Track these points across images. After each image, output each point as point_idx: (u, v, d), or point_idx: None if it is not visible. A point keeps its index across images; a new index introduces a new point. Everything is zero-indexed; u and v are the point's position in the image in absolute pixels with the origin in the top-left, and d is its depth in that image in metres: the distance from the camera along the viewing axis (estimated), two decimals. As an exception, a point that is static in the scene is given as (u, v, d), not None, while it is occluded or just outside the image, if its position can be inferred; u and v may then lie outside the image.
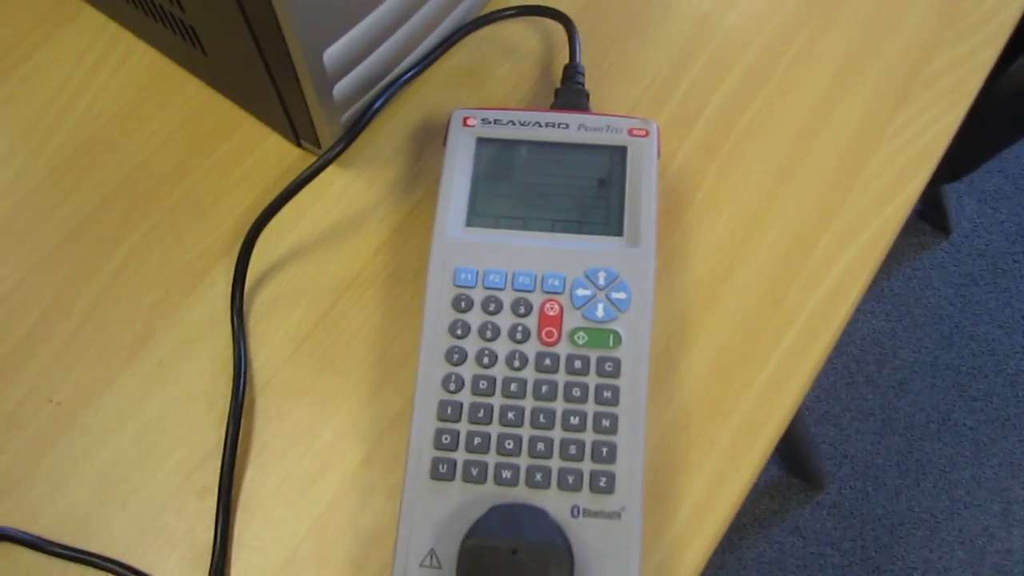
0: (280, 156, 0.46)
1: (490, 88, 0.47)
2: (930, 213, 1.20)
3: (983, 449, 1.13)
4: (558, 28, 0.48)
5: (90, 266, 0.43)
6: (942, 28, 0.48)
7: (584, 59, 0.46)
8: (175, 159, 0.46)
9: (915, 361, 1.17)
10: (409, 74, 0.44)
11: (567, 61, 0.45)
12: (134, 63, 0.48)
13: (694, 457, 0.39)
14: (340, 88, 0.40)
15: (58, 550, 0.38)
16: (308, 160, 0.45)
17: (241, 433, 0.39)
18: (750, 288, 0.42)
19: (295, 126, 0.44)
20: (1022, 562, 1.07)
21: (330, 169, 0.45)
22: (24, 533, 0.38)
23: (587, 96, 0.43)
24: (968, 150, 0.49)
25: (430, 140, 0.46)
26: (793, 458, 1.09)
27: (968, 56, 0.47)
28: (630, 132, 0.40)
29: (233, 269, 0.42)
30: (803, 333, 0.41)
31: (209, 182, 0.45)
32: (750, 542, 1.08)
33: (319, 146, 0.44)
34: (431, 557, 0.33)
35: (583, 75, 0.44)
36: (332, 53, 0.38)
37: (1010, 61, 0.55)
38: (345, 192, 0.44)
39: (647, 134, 0.40)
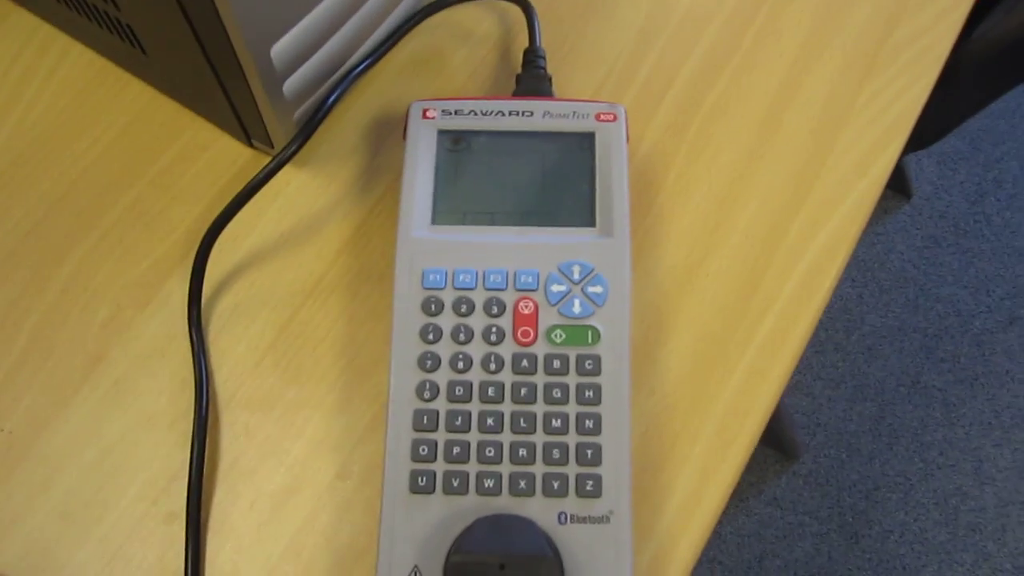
0: (231, 158, 0.43)
1: (447, 76, 0.45)
2: (890, 177, 1.20)
3: (953, 410, 1.14)
4: (514, 11, 0.46)
5: (35, 285, 0.41)
6: (906, -6, 0.47)
7: (543, 43, 0.45)
8: (119, 167, 0.43)
9: (882, 326, 1.18)
10: (362, 66, 0.42)
11: (526, 45, 0.44)
12: (69, 66, 0.46)
13: (679, 449, 0.37)
14: (290, 84, 0.38)
15: (19, 587, 0.36)
16: (261, 160, 0.43)
17: (207, 452, 0.38)
18: (727, 273, 0.41)
19: (245, 126, 0.41)
20: (995, 519, 1.08)
21: (285, 169, 0.42)
22: (-19, 571, 0.36)
23: (550, 81, 0.42)
24: (935, 118, 0.48)
25: (388, 133, 0.44)
26: (767, 430, 1.09)
27: (934, 22, 0.46)
28: (597, 117, 0.39)
29: (188, 280, 0.40)
30: (783, 316, 0.40)
31: (157, 189, 0.43)
32: (728, 515, 1.08)
33: (272, 145, 0.42)
34: (415, 574, 0.32)
35: (544, 59, 0.42)
36: (280, 48, 0.36)
37: (974, 26, 0.54)
38: (302, 192, 0.42)
39: (615, 118, 0.39)
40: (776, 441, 1.10)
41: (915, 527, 1.08)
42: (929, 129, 0.56)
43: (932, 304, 1.19)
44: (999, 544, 1.07)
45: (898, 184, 1.22)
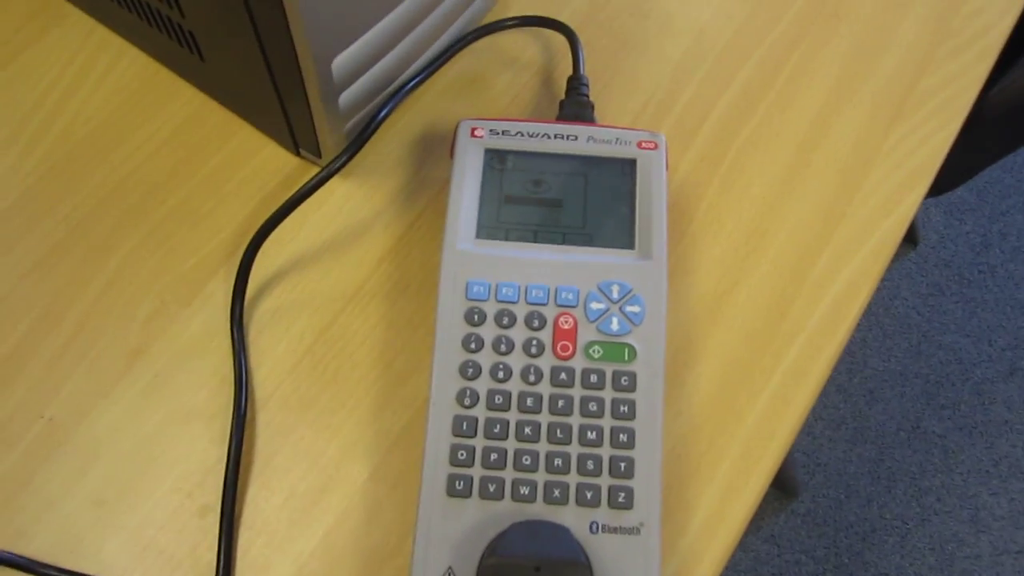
0: (278, 165, 0.45)
1: (491, 98, 0.47)
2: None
3: (951, 456, 1.15)
4: (558, 39, 0.48)
5: (81, 277, 0.42)
6: (934, 45, 0.49)
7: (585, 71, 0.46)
8: (168, 167, 0.45)
9: (885, 370, 1.19)
10: (412, 83, 0.43)
11: (568, 72, 0.45)
12: (124, 68, 0.47)
13: (704, 469, 0.38)
14: (346, 97, 0.40)
15: (52, 572, 0.36)
16: (307, 169, 0.45)
17: (243, 448, 0.38)
18: (754, 302, 0.42)
19: (295, 135, 0.43)
20: (990, 567, 1.09)
21: (332, 179, 0.44)
22: (16, 555, 0.37)
23: (592, 108, 0.43)
24: (953, 167, 0.49)
25: (432, 150, 0.45)
26: (766, 467, 1.10)
27: (960, 73, 0.48)
28: (639, 145, 0.40)
29: (231, 280, 0.41)
30: (807, 347, 0.41)
31: (204, 191, 0.44)
32: (724, 550, 1.09)
33: (319, 155, 0.43)
34: (449, 575, 0.32)
35: (587, 87, 0.44)
36: (341, 61, 0.37)
37: (995, 81, 0.56)
38: (346, 202, 0.44)
39: (656, 147, 0.40)
40: (776, 478, 1.11)
41: (910, 571, 1.08)
42: (946, 177, 0.58)
43: (934, 351, 1.20)
44: (993, 593, 1.08)
45: (906, 231, 1.24)
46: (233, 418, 0.38)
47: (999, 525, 1.11)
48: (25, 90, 0.46)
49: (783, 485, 1.11)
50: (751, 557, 1.09)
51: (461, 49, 0.45)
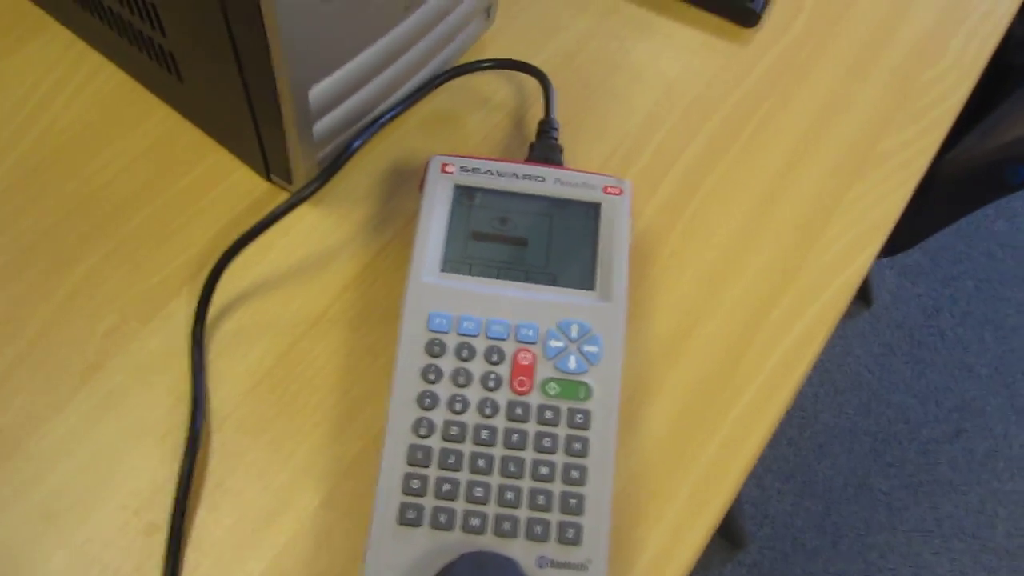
0: (248, 188, 0.45)
1: (462, 136, 0.48)
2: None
3: (896, 514, 1.16)
4: (531, 83, 0.49)
5: (43, 287, 0.42)
6: (894, 110, 0.51)
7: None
8: (139, 183, 0.45)
9: (835, 426, 1.21)
10: (387, 116, 0.44)
11: (540, 116, 0.46)
12: (100, 83, 0.48)
13: (654, 508, 0.39)
14: (320, 126, 0.40)
15: (-9, 585, 0.36)
16: (277, 193, 0.45)
17: (195, 469, 0.38)
18: (710, 348, 0.43)
19: (267, 159, 0.43)
20: (930, 626, 1.10)
21: (301, 205, 0.44)
22: (-46, 565, 0.36)
23: (561, 151, 0.44)
24: (906, 228, 0.51)
25: (402, 182, 0.46)
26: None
27: (917, 138, 0.50)
28: (604, 189, 0.41)
29: (194, 299, 0.41)
30: (760, 394, 0.42)
31: (173, 209, 0.44)
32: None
33: (290, 181, 0.44)
34: (395, 604, 0.33)
35: (558, 131, 0.45)
36: (318, 91, 0.38)
37: (948, 148, 0.58)
38: (314, 229, 0.44)
39: (621, 192, 0.41)
40: (724, 528, 1.11)
41: (852, 627, 1.09)
42: (899, 238, 0.60)
43: (883, 409, 1.23)
44: (932, 652, 1.09)
45: (860, 291, 1.27)
46: (188, 437, 0.38)
47: (940, 585, 1.13)
48: (0, 98, 0.46)
49: (731, 535, 1.12)
50: (696, 606, 1.09)
51: (437, 86, 0.46)
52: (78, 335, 0.41)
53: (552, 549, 0.34)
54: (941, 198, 0.58)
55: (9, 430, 0.39)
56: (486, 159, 0.42)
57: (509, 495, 0.34)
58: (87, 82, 0.47)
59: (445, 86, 0.48)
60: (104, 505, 0.38)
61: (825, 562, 1.13)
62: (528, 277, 0.39)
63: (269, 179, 0.45)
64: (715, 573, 1.11)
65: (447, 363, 0.37)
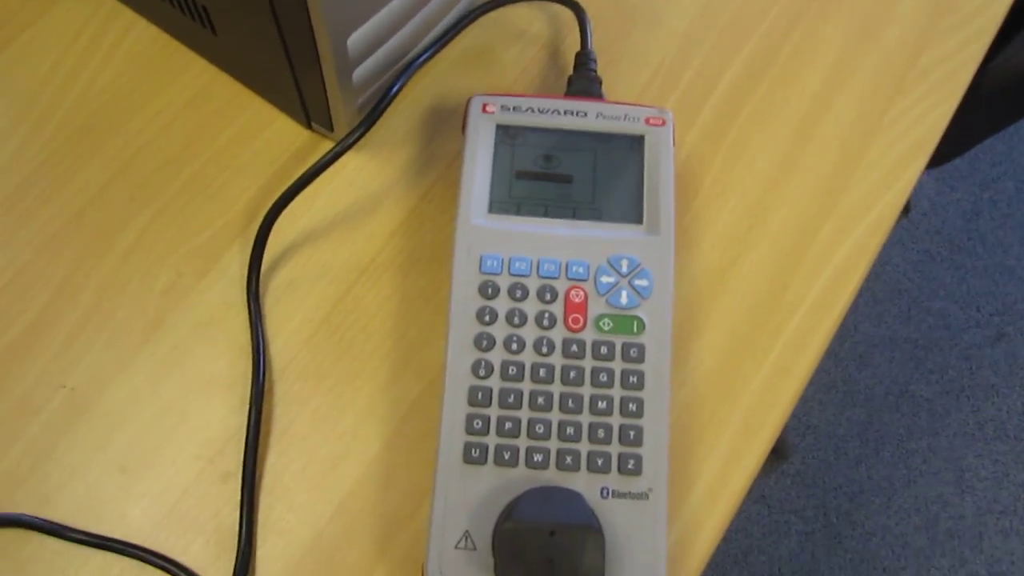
0: (289, 138, 0.45)
1: (498, 72, 0.47)
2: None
3: (938, 420, 1.17)
4: (565, 13, 0.49)
5: (97, 249, 0.43)
6: (935, 21, 0.50)
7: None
8: (181, 140, 0.45)
9: (875, 335, 1.21)
10: (423, 57, 0.44)
11: (575, 46, 0.46)
12: (133, 41, 0.47)
13: (707, 438, 0.40)
14: (359, 73, 0.40)
15: (77, 536, 0.37)
16: (318, 142, 0.45)
17: (263, 416, 0.40)
18: (756, 275, 0.43)
19: (308, 109, 0.43)
20: (973, 527, 1.12)
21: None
22: (41, 519, 0.38)
23: (600, 83, 0.44)
24: (950, 139, 0.50)
25: (441, 123, 0.46)
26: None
27: (960, 48, 0.49)
28: (647, 121, 0.41)
29: (246, 252, 0.42)
30: (807, 319, 0.42)
31: (217, 164, 0.45)
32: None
33: (331, 129, 0.44)
34: (466, 539, 0.34)
35: (596, 62, 0.44)
36: (356, 38, 0.38)
37: (993, 55, 0.57)
38: (358, 175, 0.44)
39: (664, 123, 0.41)
40: (766, 441, 1.13)
41: (896, 531, 1.11)
42: (943, 149, 0.59)
43: (924, 316, 1.23)
44: (976, 551, 1.11)
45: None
46: (252, 387, 0.40)
47: (983, 486, 1.14)
48: (35, 64, 0.46)
49: (774, 447, 1.13)
50: (742, 517, 1.11)
51: (471, 22, 0.46)
52: (136, 294, 0.42)
53: (614, 480, 0.35)
54: (986, 107, 0.57)
55: (80, 389, 0.40)
56: (526, 96, 0.41)
57: (569, 430, 0.35)
58: (120, 40, 0.47)
59: (478, 22, 0.48)
60: (178, 456, 0.39)
61: (868, 469, 1.14)
62: (575, 214, 0.39)
63: (310, 128, 0.45)
64: (759, 484, 1.13)
65: (501, 304, 0.37)
